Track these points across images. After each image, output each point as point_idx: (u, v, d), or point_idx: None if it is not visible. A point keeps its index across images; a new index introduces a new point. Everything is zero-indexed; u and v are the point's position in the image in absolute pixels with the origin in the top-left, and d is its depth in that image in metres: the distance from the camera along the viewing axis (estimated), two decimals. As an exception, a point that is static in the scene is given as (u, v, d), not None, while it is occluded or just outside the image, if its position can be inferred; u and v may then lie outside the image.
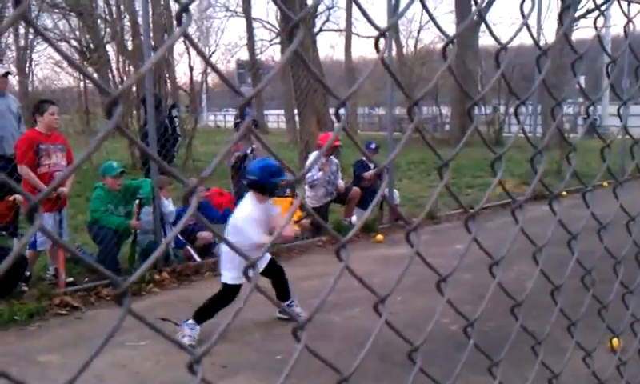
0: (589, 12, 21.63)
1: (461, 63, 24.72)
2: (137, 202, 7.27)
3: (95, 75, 19.20)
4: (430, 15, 1.23)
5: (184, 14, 0.65)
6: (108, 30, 20.05)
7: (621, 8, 1.95)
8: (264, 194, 5.31)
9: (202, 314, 5.22)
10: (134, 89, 15.85)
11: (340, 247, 0.94)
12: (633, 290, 1.83)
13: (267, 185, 5.27)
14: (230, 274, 5.19)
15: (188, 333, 5.11)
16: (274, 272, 5.59)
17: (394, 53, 24.95)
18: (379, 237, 9.02)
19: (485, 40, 27.30)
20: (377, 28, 0.95)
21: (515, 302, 1.35)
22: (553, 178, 12.16)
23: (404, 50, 32.58)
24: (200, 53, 0.78)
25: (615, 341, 3.47)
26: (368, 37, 32.43)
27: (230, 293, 5.20)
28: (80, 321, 5.87)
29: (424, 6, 1.18)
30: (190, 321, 5.21)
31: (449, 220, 10.14)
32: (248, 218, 5.21)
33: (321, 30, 31.64)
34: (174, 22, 0.70)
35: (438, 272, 1.18)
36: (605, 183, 10.31)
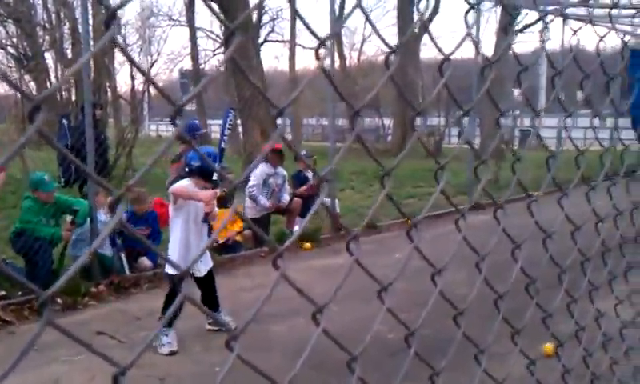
0: (527, 26, 22.36)
1: (402, 75, 25.12)
2: (69, 219, 7.06)
3: (33, 84, 18.68)
4: (373, 26, 1.23)
5: (112, 21, 0.64)
6: (47, 37, 19.53)
7: (569, 26, 2.01)
8: (205, 181, 5.22)
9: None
10: (74, 98, 15.47)
11: (277, 256, 0.93)
12: (577, 298, 1.88)
13: (209, 170, 5.19)
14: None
15: None
16: (207, 281, 5.53)
17: (336, 65, 25.15)
18: (307, 245, 9.07)
19: (425, 53, 27.81)
20: (317, 37, 0.95)
21: (457, 310, 1.36)
22: (490, 188, 12.33)
23: (347, 62, 32.91)
24: (130, 59, 0.76)
25: (549, 347, 3.56)
26: (312, 48, 32.54)
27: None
28: (13, 336, 5.67)
29: (367, 18, 1.19)
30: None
31: (389, 229, 10.23)
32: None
33: (265, 40, 31.70)
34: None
35: (378, 281, 1.18)
36: (540, 193, 10.56)
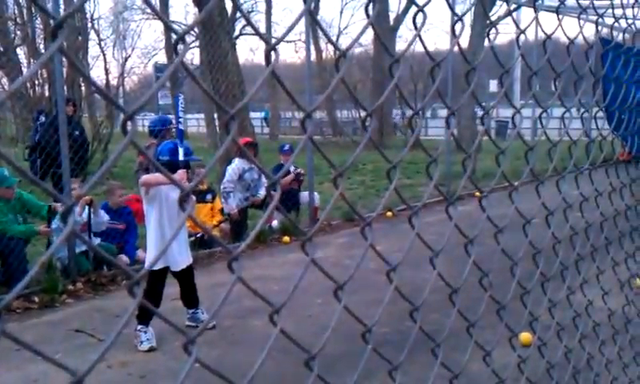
0: (500, 19, 22.53)
1: (378, 69, 25.25)
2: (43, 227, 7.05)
3: (5, 80, 18.45)
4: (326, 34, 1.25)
5: (59, 30, 0.64)
6: (19, 32, 19.27)
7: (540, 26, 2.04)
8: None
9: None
10: (47, 93, 15.29)
11: (232, 260, 0.95)
12: (530, 289, 1.92)
13: (180, 164, 5.17)
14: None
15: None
16: (186, 276, 5.54)
17: (313, 57, 25.10)
18: (286, 238, 9.14)
19: (402, 45, 27.89)
20: (267, 42, 0.97)
21: (413, 306, 1.39)
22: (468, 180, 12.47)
23: (323, 55, 32.96)
24: (77, 68, 0.77)
25: (526, 337, 3.60)
26: (288, 41, 32.63)
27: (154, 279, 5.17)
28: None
29: (316, 23, 1.20)
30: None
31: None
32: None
33: (241, 33, 31.55)
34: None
35: (334, 280, 1.20)
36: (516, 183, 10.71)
